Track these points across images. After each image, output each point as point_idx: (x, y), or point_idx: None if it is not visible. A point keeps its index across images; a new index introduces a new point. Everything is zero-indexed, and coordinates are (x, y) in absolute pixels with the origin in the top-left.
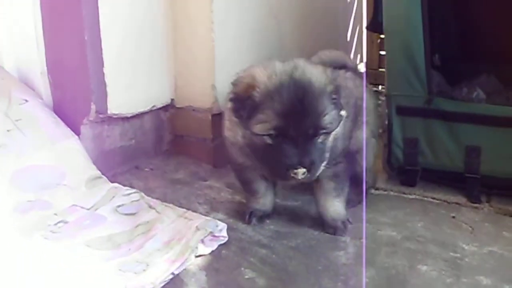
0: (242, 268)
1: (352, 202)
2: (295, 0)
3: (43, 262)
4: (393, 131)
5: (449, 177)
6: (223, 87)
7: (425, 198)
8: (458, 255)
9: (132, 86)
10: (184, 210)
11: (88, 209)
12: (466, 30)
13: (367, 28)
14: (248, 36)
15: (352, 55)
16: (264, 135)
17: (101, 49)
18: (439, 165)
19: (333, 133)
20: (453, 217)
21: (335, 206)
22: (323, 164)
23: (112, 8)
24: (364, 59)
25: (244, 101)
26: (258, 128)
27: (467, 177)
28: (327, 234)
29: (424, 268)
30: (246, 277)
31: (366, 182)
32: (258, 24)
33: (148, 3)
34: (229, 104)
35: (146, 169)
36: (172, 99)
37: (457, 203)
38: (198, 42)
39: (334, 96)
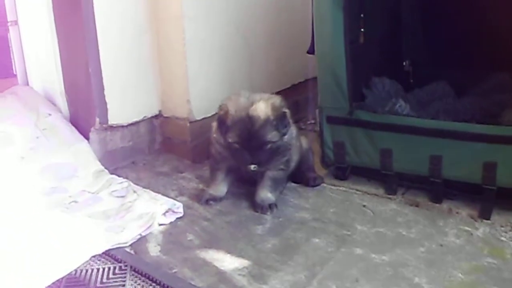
0: (187, 233)
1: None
2: (262, 19)
3: (59, 225)
4: (324, 136)
5: (372, 173)
6: (196, 101)
7: (350, 190)
8: (349, 233)
9: (127, 102)
10: (156, 193)
11: (93, 193)
12: (434, 38)
13: (308, 52)
14: (218, 58)
15: None
16: (232, 143)
17: (101, 76)
18: (361, 163)
19: (285, 141)
20: (364, 205)
21: (267, 195)
22: (280, 161)
23: (109, 45)
24: None
25: (222, 123)
26: (229, 139)
27: (384, 173)
28: (256, 213)
29: (316, 240)
30: (188, 239)
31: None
32: (227, 45)
33: (136, 36)
34: (216, 122)
35: (140, 164)
36: (160, 110)
37: (375, 194)
38: (176, 68)
39: (274, 123)
